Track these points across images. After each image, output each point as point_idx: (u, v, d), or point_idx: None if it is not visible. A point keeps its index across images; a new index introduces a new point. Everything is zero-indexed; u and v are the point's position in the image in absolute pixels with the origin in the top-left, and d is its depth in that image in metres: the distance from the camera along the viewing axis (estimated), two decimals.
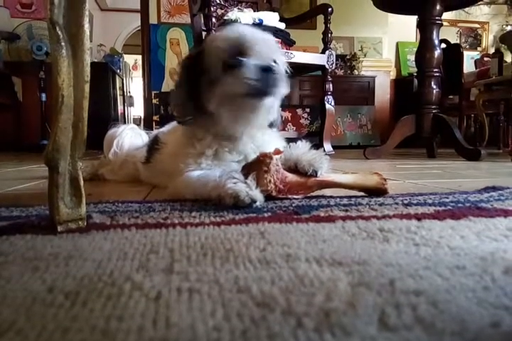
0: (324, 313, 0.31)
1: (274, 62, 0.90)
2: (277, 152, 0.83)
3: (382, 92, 5.54)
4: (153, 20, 4.97)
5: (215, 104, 0.88)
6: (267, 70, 0.84)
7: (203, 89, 0.89)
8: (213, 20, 2.12)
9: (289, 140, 1.00)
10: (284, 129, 4.36)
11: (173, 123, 1.14)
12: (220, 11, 2.47)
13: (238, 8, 2.49)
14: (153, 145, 1.18)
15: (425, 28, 2.46)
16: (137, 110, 8.20)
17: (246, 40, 0.87)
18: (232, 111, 0.88)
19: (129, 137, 1.41)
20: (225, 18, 2.33)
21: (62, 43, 0.58)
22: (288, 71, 0.95)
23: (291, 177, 0.84)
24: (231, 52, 0.86)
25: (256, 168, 0.81)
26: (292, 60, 2.36)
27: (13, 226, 0.62)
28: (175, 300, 0.34)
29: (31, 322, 0.30)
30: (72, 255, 0.48)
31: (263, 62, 0.86)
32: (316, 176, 0.85)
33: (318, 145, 2.43)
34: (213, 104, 0.88)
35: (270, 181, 0.80)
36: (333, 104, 2.61)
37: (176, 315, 0.31)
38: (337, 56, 3.05)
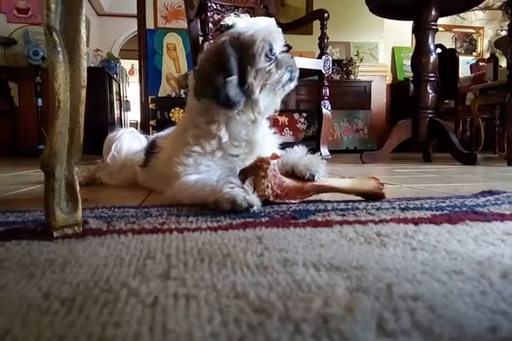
0: (322, 319, 0.31)
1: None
2: (275, 157, 0.83)
3: (379, 97, 5.56)
4: (150, 25, 4.98)
5: (259, 91, 0.92)
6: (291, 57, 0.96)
7: (248, 77, 0.91)
8: (210, 25, 2.13)
9: (286, 144, 1.01)
10: (280, 134, 4.36)
11: (171, 128, 1.14)
12: (216, 17, 2.48)
13: (235, 14, 2.50)
14: (151, 150, 1.18)
15: (421, 33, 2.47)
16: (134, 115, 8.20)
17: (273, 32, 0.94)
18: (271, 96, 0.96)
19: (128, 141, 1.41)
20: (222, 23, 2.34)
21: (59, 48, 0.58)
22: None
23: (289, 182, 0.84)
24: (268, 45, 0.91)
25: (253, 173, 0.81)
26: None
27: (8, 232, 0.62)
28: (172, 306, 0.34)
29: (27, 329, 0.30)
30: (68, 261, 0.47)
31: (286, 49, 0.96)
32: (313, 180, 0.85)
33: (314, 149, 2.44)
34: (257, 91, 0.92)
35: (267, 186, 0.80)
36: (329, 108, 2.62)
37: (173, 321, 0.31)
38: (333, 61, 3.07)
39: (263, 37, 0.91)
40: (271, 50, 0.92)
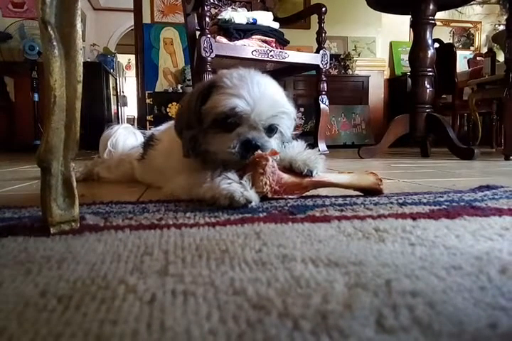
0: (321, 315, 0.31)
1: (272, 128, 0.87)
2: (273, 153, 0.83)
3: (376, 92, 5.56)
4: (146, 19, 4.95)
5: (202, 156, 0.89)
6: (250, 146, 0.83)
7: (199, 138, 0.88)
8: (207, 19, 2.11)
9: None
10: None
11: (169, 122, 1.14)
12: (213, 11, 2.47)
13: (232, 8, 2.48)
14: (149, 142, 1.18)
15: (418, 27, 2.47)
16: (131, 110, 8.17)
17: (239, 106, 0.82)
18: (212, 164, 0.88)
19: (123, 136, 1.41)
20: (219, 17, 2.33)
21: (54, 43, 0.57)
22: (291, 133, 0.94)
23: (287, 178, 0.83)
24: (229, 111, 0.82)
25: (251, 169, 0.81)
26: (286, 60, 2.36)
27: (5, 228, 0.62)
28: (169, 303, 0.34)
29: (23, 327, 0.30)
30: (65, 257, 0.47)
31: (252, 135, 0.84)
32: (311, 176, 0.84)
33: (312, 144, 2.43)
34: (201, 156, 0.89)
35: (266, 183, 0.80)
36: (327, 103, 2.61)
37: (171, 318, 0.31)
38: (331, 56, 3.06)
39: (223, 103, 0.82)
40: (224, 122, 0.84)
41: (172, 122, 1.10)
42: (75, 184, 0.62)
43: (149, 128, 3.91)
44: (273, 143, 0.88)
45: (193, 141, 0.88)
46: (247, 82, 0.84)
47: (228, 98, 0.82)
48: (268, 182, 0.80)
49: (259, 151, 0.82)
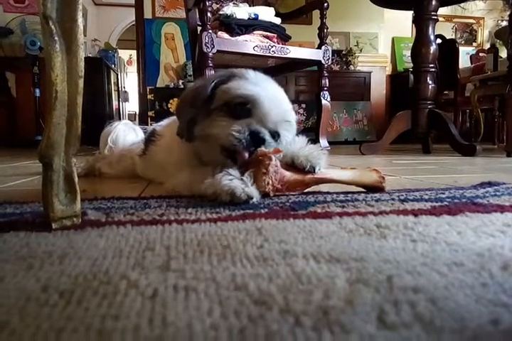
0: (322, 311, 0.31)
1: (275, 134, 0.86)
2: (276, 151, 0.82)
3: (378, 88, 5.54)
4: (147, 14, 4.93)
5: (198, 141, 0.87)
6: (258, 138, 0.82)
7: (198, 120, 0.87)
8: (208, 14, 2.11)
9: None
10: None
11: (171, 118, 1.14)
12: (215, 6, 2.45)
13: (233, 3, 2.47)
14: (150, 138, 1.18)
15: (421, 23, 2.46)
16: (132, 105, 8.17)
17: (260, 97, 0.82)
18: (208, 155, 0.88)
19: (123, 131, 1.42)
20: (221, 12, 2.32)
21: (56, 38, 0.57)
22: (290, 139, 0.92)
23: (289, 175, 0.83)
24: (250, 96, 0.82)
25: (254, 166, 0.80)
26: (288, 56, 2.36)
27: (6, 224, 0.62)
28: (171, 298, 0.34)
29: (25, 322, 0.30)
30: (66, 253, 0.47)
31: (261, 128, 0.83)
32: (313, 172, 0.84)
33: (314, 140, 2.43)
34: (197, 140, 0.87)
35: (268, 183, 0.79)
36: (329, 99, 2.61)
37: (173, 313, 0.31)
38: (333, 51, 3.05)
39: (236, 92, 0.83)
40: (236, 108, 0.83)
41: (173, 117, 1.10)
42: (76, 179, 0.62)
43: (150, 124, 3.91)
44: (273, 144, 0.87)
45: (192, 123, 0.86)
46: (266, 83, 0.87)
47: (252, 86, 0.84)
48: (270, 182, 0.80)
49: (263, 148, 0.82)
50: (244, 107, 0.83)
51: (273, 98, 0.85)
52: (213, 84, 0.86)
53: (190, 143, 0.89)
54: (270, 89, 0.86)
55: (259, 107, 0.83)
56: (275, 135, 0.86)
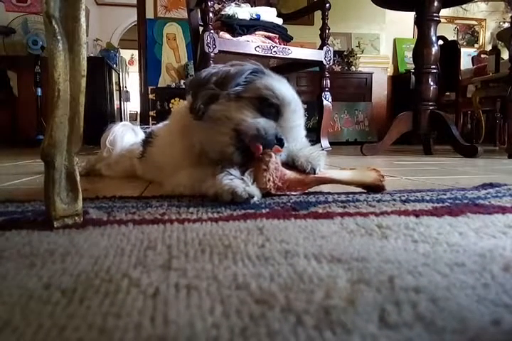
0: (324, 311, 0.31)
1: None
2: (277, 150, 0.82)
3: (380, 89, 5.54)
4: (149, 15, 4.94)
5: (209, 122, 0.84)
6: (280, 140, 0.82)
7: (219, 101, 0.85)
8: (210, 15, 2.11)
9: None
10: None
11: (168, 119, 1.14)
12: (217, 6, 2.46)
13: (235, 3, 2.47)
14: (147, 139, 1.18)
15: (423, 24, 2.46)
16: (134, 105, 8.17)
17: (291, 104, 0.84)
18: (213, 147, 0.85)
19: (121, 132, 1.41)
20: (222, 13, 2.32)
21: (59, 37, 0.57)
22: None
23: (290, 174, 0.83)
24: (282, 100, 0.83)
25: (254, 165, 0.80)
26: (290, 56, 2.36)
27: (8, 222, 0.62)
28: (173, 296, 0.34)
29: (27, 319, 0.30)
30: (68, 251, 0.47)
31: (281, 132, 0.83)
32: (314, 173, 0.84)
33: (315, 141, 2.43)
34: (207, 121, 0.85)
35: (269, 180, 0.79)
36: (330, 100, 2.61)
37: (174, 312, 0.31)
38: (334, 52, 3.05)
39: (270, 88, 0.83)
40: (270, 104, 0.83)
41: (171, 118, 1.09)
42: (78, 178, 0.62)
43: (152, 124, 3.92)
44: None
45: (210, 101, 0.84)
46: (288, 87, 0.88)
47: (285, 90, 0.85)
48: (271, 179, 0.80)
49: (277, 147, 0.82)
50: (274, 108, 0.83)
51: (299, 108, 0.87)
52: (248, 72, 0.86)
53: (194, 126, 0.86)
54: (297, 98, 0.87)
55: (288, 114, 0.84)
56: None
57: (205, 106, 0.84)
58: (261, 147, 0.79)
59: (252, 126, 0.80)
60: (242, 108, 0.82)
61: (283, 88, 0.85)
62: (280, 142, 0.82)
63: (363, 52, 5.51)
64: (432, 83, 2.47)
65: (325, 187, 0.92)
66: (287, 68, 2.73)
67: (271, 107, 0.83)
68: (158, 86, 4.89)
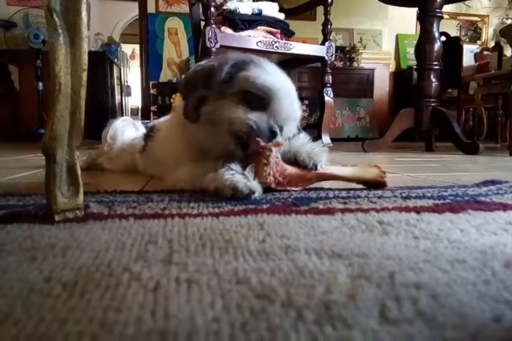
0: (324, 306, 0.31)
1: (281, 129, 0.85)
2: (277, 144, 0.82)
3: (381, 85, 5.52)
4: (151, 9, 4.92)
5: (204, 123, 0.85)
6: (273, 132, 0.81)
7: (209, 101, 0.85)
8: (212, 9, 2.10)
9: None
10: None
11: (170, 113, 1.14)
12: (218, 1, 2.44)
13: None
14: (149, 134, 1.18)
15: (425, 20, 2.44)
16: (135, 100, 8.15)
17: (280, 93, 0.82)
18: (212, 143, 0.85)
19: (121, 126, 1.41)
20: (224, 7, 2.31)
21: (60, 30, 0.57)
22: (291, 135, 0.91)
23: (291, 169, 0.83)
24: (258, 93, 0.81)
25: (255, 159, 0.80)
26: (291, 51, 2.35)
27: (10, 215, 0.62)
28: (173, 290, 0.34)
29: (28, 313, 0.30)
30: (69, 245, 0.47)
31: (273, 123, 0.82)
32: (315, 169, 0.84)
33: (316, 137, 2.43)
34: (203, 122, 0.85)
35: (269, 174, 0.79)
36: (332, 96, 2.60)
37: (175, 306, 0.31)
38: (336, 48, 3.03)
39: (256, 81, 0.81)
40: (255, 99, 0.82)
41: (172, 113, 1.09)
42: (79, 172, 0.62)
43: (153, 119, 3.91)
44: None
45: (201, 103, 0.84)
46: (280, 76, 0.86)
47: (272, 79, 0.83)
48: (272, 173, 0.80)
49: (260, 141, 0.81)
50: (261, 99, 0.82)
51: (288, 94, 0.85)
52: (229, 67, 0.84)
53: (193, 126, 0.87)
54: (286, 85, 0.85)
55: (276, 102, 0.82)
56: (281, 130, 0.86)
57: (196, 109, 0.85)
58: (260, 141, 0.79)
59: (243, 124, 0.80)
60: (231, 105, 0.82)
61: (268, 77, 0.83)
62: (273, 134, 0.81)
63: (365, 48, 5.49)
64: (434, 79, 2.46)
65: (326, 184, 0.92)
66: (289, 64, 2.72)
67: (258, 99, 0.82)
68: (160, 81, 4.88)
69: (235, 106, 0.82)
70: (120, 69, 6.46)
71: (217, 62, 0.87)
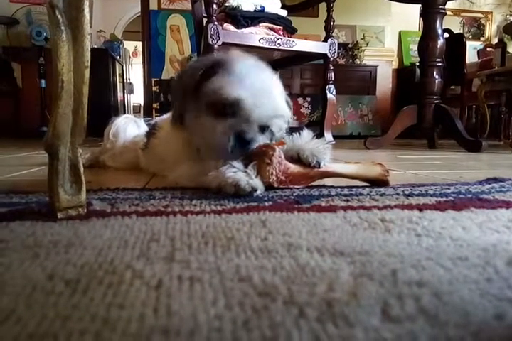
0: (326, 303, 0.31)
1: (264, 127, 0.85)
2: (280, 143, 0.82)
3: (384, 82, 5.51)
4: (153, 6, 4.92)
5: (190, 131, 0.87)
6: (243, 140, 0.81)
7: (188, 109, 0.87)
8: (214, 6, 2.09)
9: (290, 129, 0.99)
10: None
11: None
12: None
13: None
14: (151, 131, 1.18)
15: (428, 17, 2.43)
16: (137, 97, 8.15)
17: (242, 99, 0.80)
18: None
19: (123, 124, 1.41)
20: (226, 4, 2.30)
21: (62, 27, 0.57)
22: (281, 133, 0.90)
23: (293, 168, 0.83)
24: (233, 100, 0.80)
25: (258, 158, 0.80)
26: (294, 48, 2.34)
27: (12, 213, 0.62)
28: (176, 288, 0.34)
29: (31, 310, 0.30)
30: (72, 242, 0.47)
31: (246, 127, 0.82)
32: (319, 167, 0.84)
33: (319, 134, 2.42)
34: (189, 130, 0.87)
35: (272, 173, 0.79)
36: (334, 93, 2.59)
37: (177, 303, 0.31)
38: (339, 45, 3.02)
39: (222, 89, 0.80)
40: (222, 109, 0.81)
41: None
42: (82, 169, 0.62)
43: (155, 116, 3.91)
44: (261, 139, 0.85)
45: (185, 110, 0.87)
46: (254, 76, 0.83)
47: (235, 87, 0.80)
48: (274, 173, 0.80)
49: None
50: (229, 107, 0.81)
51: (260, 94, 0.82)
52: (199, 75, 0.84)
53: (185, 132, 0.89)
54: (257, 83, 0.82)
55: (242, 108, 0.81)
56: (265, 128, 0.85)
57: (181, 114, 0.87)
58: (254, 150, 0.81)
59: (214, 141, 0.82)
60: (205, 118, 0.83)
61: (233, 85, 0.81)
62: (244, 141, 0.81)
63: (367, 44, 5.47)
64: (437, 76, 2.45)
65: (328, 181, 0.92)
66: (291, 61, 2.71)
67: (229, 106, 0.81)
68: (162, 78, 4.88)
69: (205, 119, 0.83)
70: (122, 67, 6.45)
71: (190, 71, 0.88)
